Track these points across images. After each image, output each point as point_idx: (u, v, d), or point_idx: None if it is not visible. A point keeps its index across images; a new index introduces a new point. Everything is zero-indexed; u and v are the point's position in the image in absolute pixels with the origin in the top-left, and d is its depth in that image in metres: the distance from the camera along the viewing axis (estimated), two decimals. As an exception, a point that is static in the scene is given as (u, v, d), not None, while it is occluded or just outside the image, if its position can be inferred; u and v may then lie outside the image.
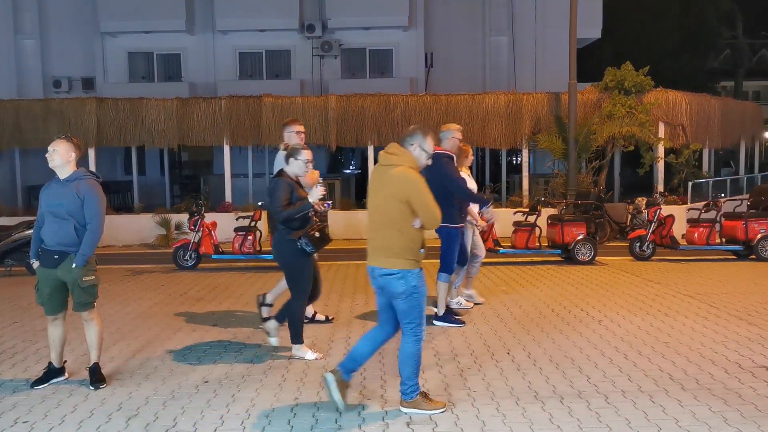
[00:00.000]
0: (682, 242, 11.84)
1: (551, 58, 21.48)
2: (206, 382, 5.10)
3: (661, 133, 16.23)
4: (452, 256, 6.73)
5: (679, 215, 13.34)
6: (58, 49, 22.07)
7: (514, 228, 11.62)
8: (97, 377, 5.06)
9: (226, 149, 16.61)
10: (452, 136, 6.74)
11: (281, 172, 5.65)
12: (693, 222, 11.72)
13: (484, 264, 10.95)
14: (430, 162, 4.54)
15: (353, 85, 19.86)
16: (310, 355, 5.67)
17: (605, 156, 16.79)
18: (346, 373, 4.47)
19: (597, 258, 11.08)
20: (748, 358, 5.46)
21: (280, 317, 5.91)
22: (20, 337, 6.59)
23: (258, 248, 11.25)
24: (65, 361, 5.28)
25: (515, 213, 12.10)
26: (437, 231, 6.43)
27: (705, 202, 12.66)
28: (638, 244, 11.41)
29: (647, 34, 27.95)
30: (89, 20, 21.64)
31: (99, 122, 16.27)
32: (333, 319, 7.06)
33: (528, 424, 4.17)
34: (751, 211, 11.88)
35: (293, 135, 6.65)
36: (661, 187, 16.18)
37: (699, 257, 11.56)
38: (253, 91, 17.12)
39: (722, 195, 15.76)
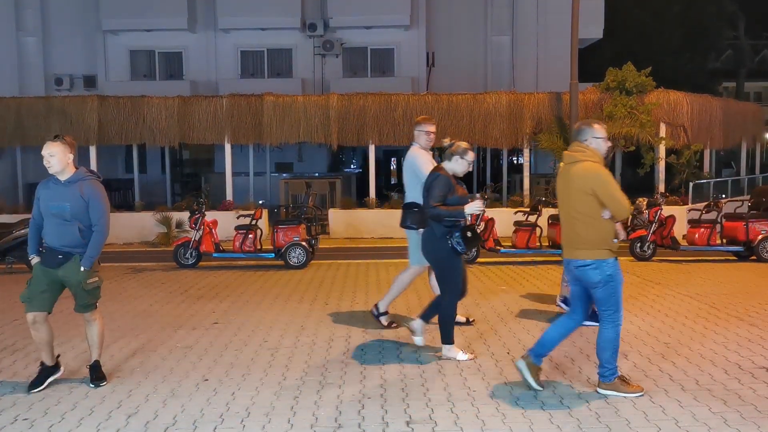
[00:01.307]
0: (683, 243, 11.83)
1: (553, 58, 21.48)
2: (206, 380, 5.11)
3: (663, 134, 16.22)
4: None
5: (680, 216, 13.33)
6: (60, 46, 22.11)
7: (514, 228, 11.63)
8: (97, 375, 5.05)
9: (228, 147, 16.63)
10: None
11: (440, 167, 5.57)
12: (694, 222, 11.72)
13: (485, 264, 10.99)
14: (610, 143, 4.74)
15: (355, 84, 19.89)
16: (461, 355, 5.53)
17: (606, 156, 16.77)
18: (536, 357, 4.79)
19: (597, 258, 11.06)
20: (748, 359, 5.46)
21: (426, 315, 5.75)
22: (21, 334, 6.59)
23: (259, 246, 11.26)
24: (58, 356, 5.16)
25: (516, 213, 12.11)
26: None
27: (706, 203, 12.65)
28: (639, 245, 11.41)
29: (649, 34, 27.96)
30: (91, 18, 21.68)
31: (100, 120, 16.29)
32: (473, 321, 6.77)
33: (528, 423, 4.17)
34: (751, 212, 11.87)
35: (422, 134, 6.51)
36: (662, 188, 16.18)
37: (699, 258, 11.56)
38: (254, 89, 17.14)
39: (723, 196, 15.77)
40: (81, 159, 21.27)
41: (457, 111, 16.31)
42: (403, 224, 6.34)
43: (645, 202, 13.92)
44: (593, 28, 21.95)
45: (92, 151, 16.37)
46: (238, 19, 21.26)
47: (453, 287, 5.51)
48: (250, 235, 11.20)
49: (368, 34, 21.87)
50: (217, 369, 5.38)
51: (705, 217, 11.75)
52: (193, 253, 11.14)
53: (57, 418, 4.39)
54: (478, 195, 5.48)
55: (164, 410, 4.49)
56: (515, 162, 22.71)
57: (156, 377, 5.19)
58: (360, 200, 17.49)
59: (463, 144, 5.59)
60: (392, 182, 24.46)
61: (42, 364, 5.04)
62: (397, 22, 21.49)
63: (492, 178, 21.27)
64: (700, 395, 4.63)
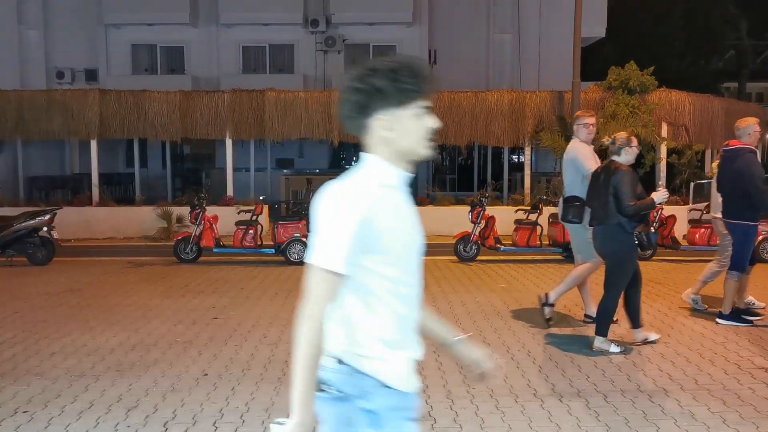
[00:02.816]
0: (684, 243, 11.82)
1: (555, 57, 21.42)
2: (206, 375, 5.11)
3: (664, 134, 16.20)
4: (745, 254, 6.53)
5: (681, 216, 13.31)
6: (62, 40, 22.04)
7: (515, 226, 11.62)
8: None
9: (229, 143, 16.60)
10: (754, 130, 6.50)
11: (615, 162, 5.57)
12: (694, 223, 11.70)
13: (485, 262, 10.99)
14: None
15: (356, 80, 19.79)
16: (614, 347, 5.64)
17: (607, 155, 16.77)
18: None
19: (598, 257, 11.06)
20: (747, 359, 5.47)
21: (602, 329, 5.67)
22: (20, 327, 6.60)
23: (259, 242, 11.26)
24: None
25: (517, 211, 12.09)
26: (731, 229, 6.42)
27: (706, 203, 12.63)
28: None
29: (651, 34, 27.94)
30: (93, 12, 21.61)
31: (102, 114, 16.25)
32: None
33: (527, 422, 4.18)
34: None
35: (581, 127, 6.54)
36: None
37: (700, 258, 11.52)
38: (256, 85, 17.09)
39: (724, 196, 15.75)
40: (82, 153, 21.17)
41: (458, 108, 16.28)
42: (564, 218, 6.40)
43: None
44: (596, 28, 21.88)
45: (93, 145, 16.35)
46: (240, 15, 21.20)
47: (621, 283, 5.57)
48: (251, 231, 11.20)
49: (370, 31, 21.83)
50: (217, 364, 5.39)
51: (706, 217, 11.72)
52: (194, 248, 11.14)
53: (56, 411, 4.39)
54: (661, 183, 5.53)
55: (164, 404, 4.50)
56: (516, 160, 22.69)
57: (156, 371, 5.20)
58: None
59: (622, 134, 5.74)
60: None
61: None
62: (400, 19, 21.45)
63: (493, 176, 21.23)
64: (699, 395, 4.63)
